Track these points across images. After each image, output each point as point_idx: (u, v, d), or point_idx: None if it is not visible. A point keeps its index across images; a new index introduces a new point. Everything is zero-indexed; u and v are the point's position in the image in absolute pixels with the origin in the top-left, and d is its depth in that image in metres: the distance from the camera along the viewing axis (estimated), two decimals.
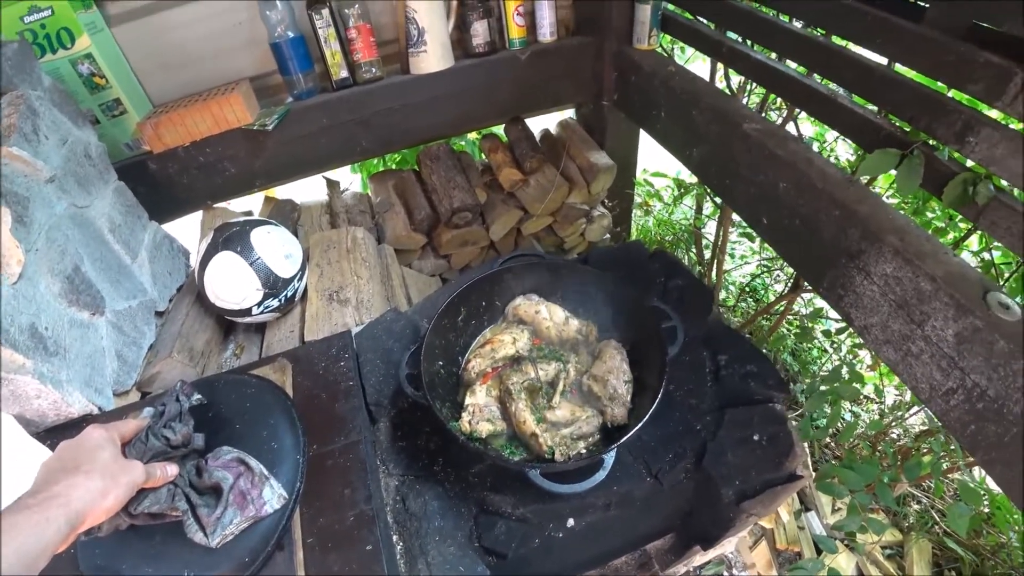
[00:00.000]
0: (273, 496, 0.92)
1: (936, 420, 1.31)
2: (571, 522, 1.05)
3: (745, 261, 2.78)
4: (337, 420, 1.06)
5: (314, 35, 1.67)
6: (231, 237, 1.41)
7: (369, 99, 1.77)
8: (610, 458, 0.97)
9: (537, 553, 1.04)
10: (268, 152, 1.75)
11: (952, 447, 1.61)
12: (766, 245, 2.46)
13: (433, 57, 1.74)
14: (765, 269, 2.68)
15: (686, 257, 2.70)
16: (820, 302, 2.40)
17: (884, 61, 1.21)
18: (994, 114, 1.04)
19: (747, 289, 2.80)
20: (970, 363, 0.94)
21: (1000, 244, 1.43)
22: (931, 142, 1.10)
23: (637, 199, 2.46)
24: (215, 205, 1.84)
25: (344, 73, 1.74)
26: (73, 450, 0.76)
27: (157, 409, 0.93)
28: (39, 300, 1.09)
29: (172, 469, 0.87)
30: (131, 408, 1.19)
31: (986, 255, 1.54)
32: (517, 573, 1.05)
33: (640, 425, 0.96)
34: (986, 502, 1.83)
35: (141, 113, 1.62)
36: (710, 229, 2.55)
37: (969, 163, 1.07)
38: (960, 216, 1.57)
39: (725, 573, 1.88)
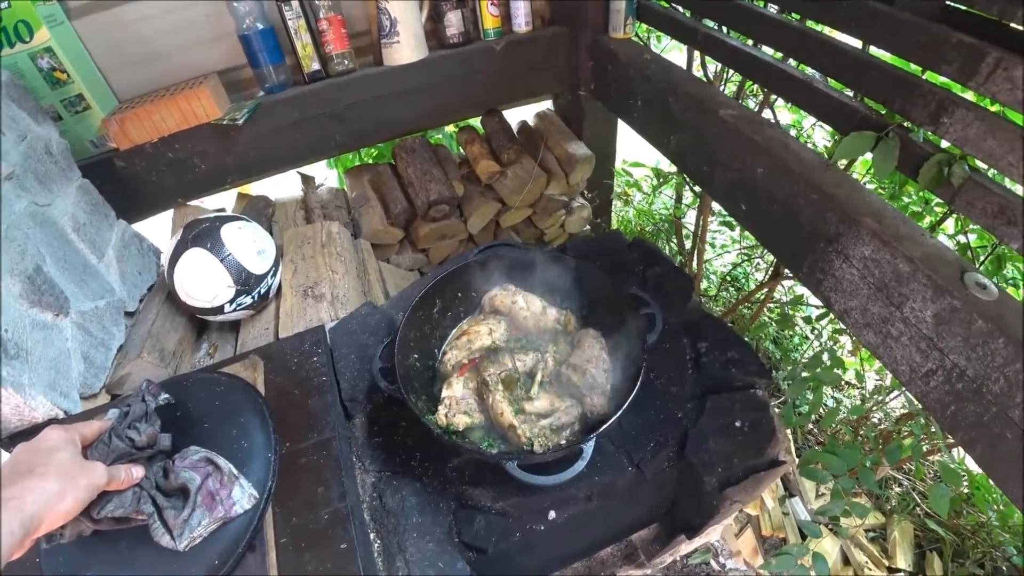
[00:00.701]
0: (243, 496, 0.89)
1: (916, 403, 1.32)
2: (552, 515, 1.03)
3: (726, 250, 2.79)
4: (310, 417, 1.03)
5: (284, 27, 1.63)
6: (201, 233, 1.37)
7: (342, 92, 1.74)
8: (589, 448, 0.95)
9: (518, 547, 1.02)
10: (240, 148, 1.71)
11: (932, 429, 1.62)
12: (746, 234, 2.47)
13: (406, 48, 1.72)
14: (746, 258, 2.69)
15: (667, 247, 2.70)
16: (801, 289, 2.42)
17: (859, 44, 1.21)
18: (969, 96, 1.05)
19: (728, 278, 2.81)
20: (949, 344, 0.95)
21: (976, 227, 1.45)
22: (906, 124, 1.10)
23: (617, 189, 2.46)
24: (188, 203, 1.80)
25: (316, 65, 1.70)
26: (29, 452, 0.73)
27: (121, 410, 0.90)
28: None
29: (137, 471, 0.84)
30: (99, 411, 1.15)
31: (962, 238, 1.55)
32: (499, 568, 1.03)
33: (619, 414, 0.95)
34: (966, 483, 1.85)
35: (106, 109, 1.58)
36: (690, 219, 2.55)
37: (944, 144, 1.07)
38: (936, 200, 1.58)
39: (711, 561, 1.88)
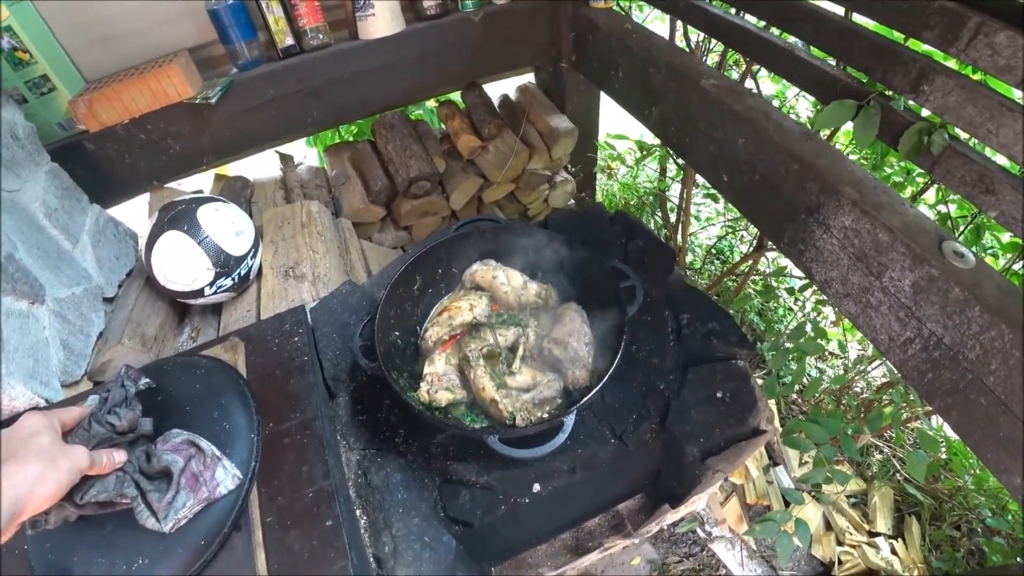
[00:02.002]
0: (227, 477, 0.90)
1: (896, 371, 1.34)
2: (537, 487, 1.04)
3: (711, 223, 2.79)
4: (292, 397, 1.03)
5: (255, 0, 1.58)
6: (177, 216, 1.35)
7: (317, 67, 1.70)
8: (569, 421, 0.96)
9: (504, 520, 1.03)
10: (214, 127, 1.67)
11: (912, 397, 1.65)
12: (731, 206, 2.47)
13: (382, 21, 1.68)
14: (730, 230, 2.70)
15: (652, 220, 2.69)
16: (784, 261, 2.43)
17: (841, 12, 1.19)
18: (952, 64, 1.04)
19: (713, 251, 2.82)
20: (927, 312, 0.95)
21: (956, 197, 1.46)
22: (888, 93, 1.09)
23: (600, 163, 2.44)
24: (164, 185, 1.76)
25: (290, 40, 1.66)
26: (8, 439, 0.73)
27: (101, 396, 0.89)
28: None
29: (120, 455, 0.84)
30: (81, 399, 1.14)
31: (942, 208, 1.56)
32: (485, 541, 1.04)
33: (600, 386, 0.95)
34: (944, 449, 1.89)
35: (73, 90, 1.52)
36: (675, 192, 2.54)
37: (925, 113, 1.07)
38: (918, 171, 1.58)
39: (698, 529, 1.93)
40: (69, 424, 0.82)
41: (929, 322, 0.96)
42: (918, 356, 1.00)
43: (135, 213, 1.82)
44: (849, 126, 1.13)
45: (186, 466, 0.88)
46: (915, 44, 1.10)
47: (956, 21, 0.92)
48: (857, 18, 1.19)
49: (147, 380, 0.94)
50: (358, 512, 1.02)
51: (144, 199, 1.77)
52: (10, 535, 0.67)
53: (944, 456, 1.91)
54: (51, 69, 1.46)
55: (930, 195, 1.67)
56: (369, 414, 1.14)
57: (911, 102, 1.06)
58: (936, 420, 1.92)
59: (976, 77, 1.02)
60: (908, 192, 1.65)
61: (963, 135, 1.02)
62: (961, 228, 1.51)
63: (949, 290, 0.91)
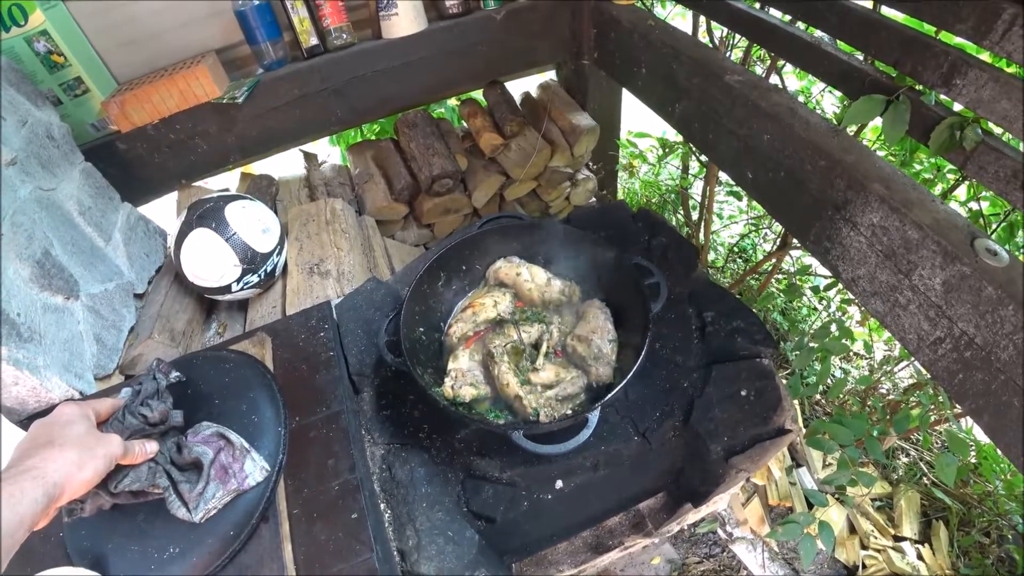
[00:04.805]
0: (255, 469, 0.91)
1: (924, 372, 1.31)
2: (559, 484, 1.05)
3: (733, 221, 2.76)
4: (318, 391, 1.05)
5: (280, 1, 1.61)
6: (205, 213, 1.38)
7: (341, 67, 1.72)
8: (594, 417, 0.96)
9: (526, 516, 1.04)
10: (240, 126, 1.70)
11: (940, 399, 1.61)
12: (754, 204, 2.44)
13: (405, 20, 1.69)
14: (753, 228, 2.67)
15: (673, 219, 2.67)
16: (809, 259, 2.39)
17: (869, 4, 1.17)
18: (984, 57, 1.02)
19: (736, 249, 2.79)
20: (958, 311, 0.93)
21: (988, 193, 1.42)
22: (918, 87, 1.07)
23: (622, 160, 2.42)
24: (192, 184, 1.79)
25: (314, 40, 1.68)
26: (45, 427, 0.75)
27: (134, 388, 0.91)
28: (8, 286, 1.06)
29: (152, 446, 0.86)
30: (113, 391, 1.18)
31: (974, 205, 1.52)
32: (507, 536, 1.05)
33: (624, 383, 0.95)
34: (973, 452, 1.85)
35: (105, 91, 1.57)
36: (697, 189, 2.52)
37: (957, 107, 1.04)
38: (948, 167, 1.55)
39: (719, 530, 1.91)
40: (103, 415, 0.84)
41: (960, 321, 0.94)
42: (949, 356, 0.98)
43: (164, 211, 1.86)
44: (878, 121, 1.11)
45: (216, 458, 0.90)
46: (946, 36, 1.08)
47: (990, 13, 0.90)
48: (885, 11, 1.17)
49: (178, 373, 0.97)
50: (382, 506, 1.04)
51: (172, 197, 1.81)
52: (49, 519, 0.69)
53: (974, 460, 1.87)
54: (84, 71, 1.50)
55: (960, 192, 1.63)
56: (393, 409, 1.15)
57: (942, 96, 1.04)
58: (965, 423, 1.88)
59: (1011, 70, 0.99)
60: (938, 189, 1.61)
61: (996, 130, 1.00)
62: (994, 226, 1.47)
63: (982, 288, 0.89)
